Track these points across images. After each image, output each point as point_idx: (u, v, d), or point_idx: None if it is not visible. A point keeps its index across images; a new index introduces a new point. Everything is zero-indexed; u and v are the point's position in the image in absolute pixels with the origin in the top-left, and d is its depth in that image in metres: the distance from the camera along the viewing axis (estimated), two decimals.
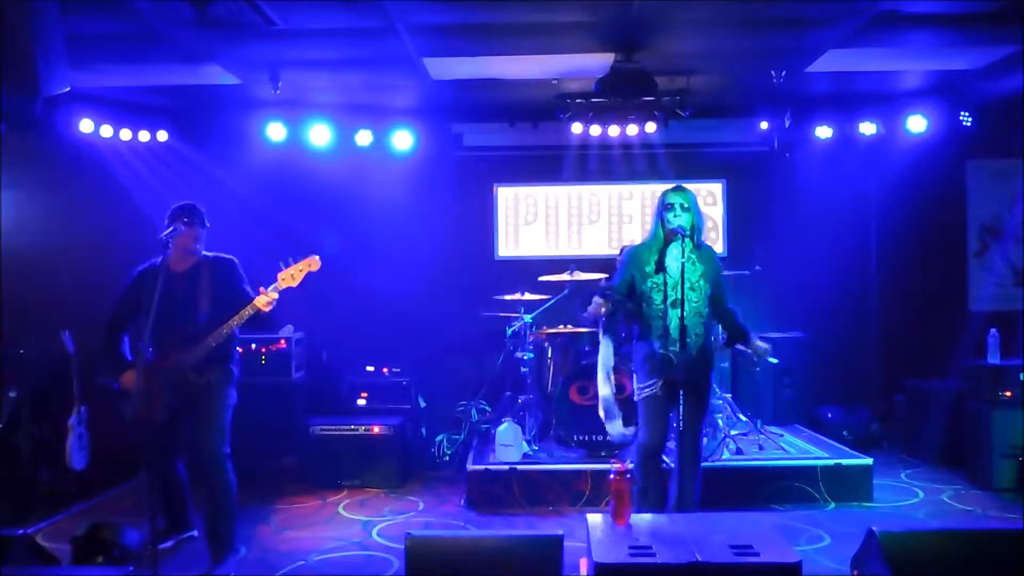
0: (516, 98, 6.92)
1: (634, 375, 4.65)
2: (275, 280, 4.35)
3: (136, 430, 4.40)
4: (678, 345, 4.38)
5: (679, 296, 4.38)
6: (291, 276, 4.37)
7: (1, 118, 5.42)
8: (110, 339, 4.51)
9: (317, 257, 4.43)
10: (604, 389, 5.23)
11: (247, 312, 4.31)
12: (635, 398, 4.63)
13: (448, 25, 5.17)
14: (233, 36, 5.12)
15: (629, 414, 5.24)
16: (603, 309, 4.48)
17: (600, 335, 5.26)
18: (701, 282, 4.49)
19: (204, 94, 6.66)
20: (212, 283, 4.46)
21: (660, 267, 4.43)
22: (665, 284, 4.38)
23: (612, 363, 5.31)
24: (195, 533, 4.76)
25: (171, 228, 4.28)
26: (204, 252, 4.55)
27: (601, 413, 5.34)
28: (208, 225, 4.54)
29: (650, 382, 4.48)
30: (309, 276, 4.46)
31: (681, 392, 4.37)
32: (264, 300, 4.30)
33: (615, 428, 5.29)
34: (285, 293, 4.40)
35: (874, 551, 3.56)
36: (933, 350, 7.21)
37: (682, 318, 4.37)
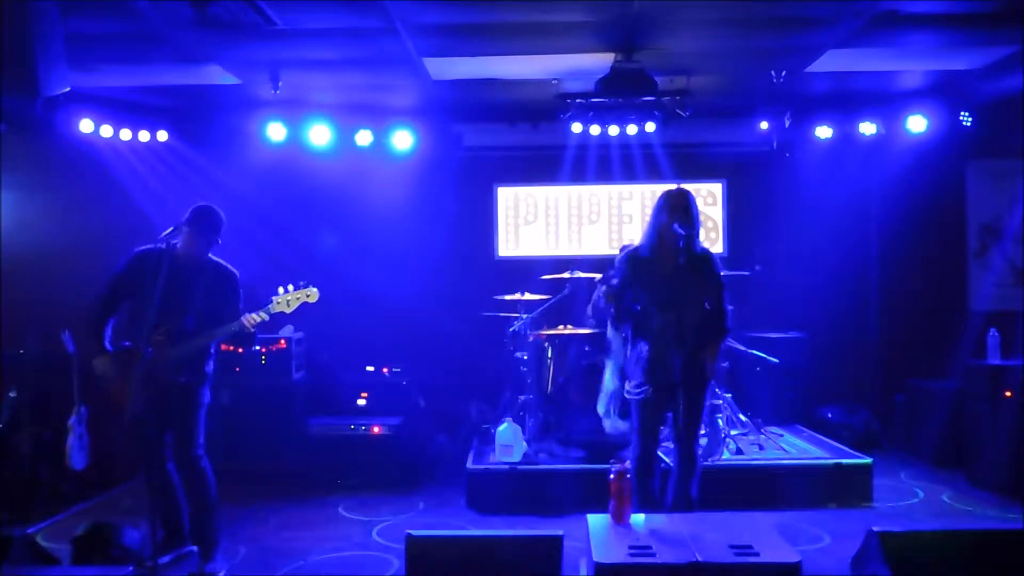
0: (516, 98, 6.92)
1: (628, 377, 4.64)
2: (270, 301, 4.37)
3: (133, 431, 4.37)
4: (671, 348, 4.37)
5: (673, 299, 4.38)
6: (286, 302, 4.40)
7: (1, 118, 5.42)
8: (98, 319, 4.40)
9: (316, 290, 4.45)
10: (611, 383, 5.26)
11: (232, 327, 4.32)
12: (628, 397, 4.62)
13: (448, 25, 5.17)
14: (233, 36, 5.12)
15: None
16: (610, 300, 4.47)
17: (610, 331, 5.22)
18: (697, 285, 4.47)
19: (204, 94, 6.66)
20: (209, 289, 4.41)
21: (655, 269, 4.43)
22: (660, 286, 4.38)
23: (622, 359, 5.31)
24: (195, 549, 4.57)
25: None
26: (210, 257, 4.50)
27: (600, 408, 5.35)
28: (219, 240, 4.47)
29: (643, 385, 4.47)
30: (309, 278, 4.45)
31: (675, 393, 4.37)
32: (252, 319, 4.31)
33: (610, 424, 5.33)
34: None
35: (874, 551, 3.56)
36: (933, 350, 7.21)
37: (676, 321, 4.37)
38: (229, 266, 4.55)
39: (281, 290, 4.40)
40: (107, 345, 4.43)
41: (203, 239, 4.41)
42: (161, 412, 4.37)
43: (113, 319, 4.46)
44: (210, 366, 4.54)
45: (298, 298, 4.41)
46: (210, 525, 4.48)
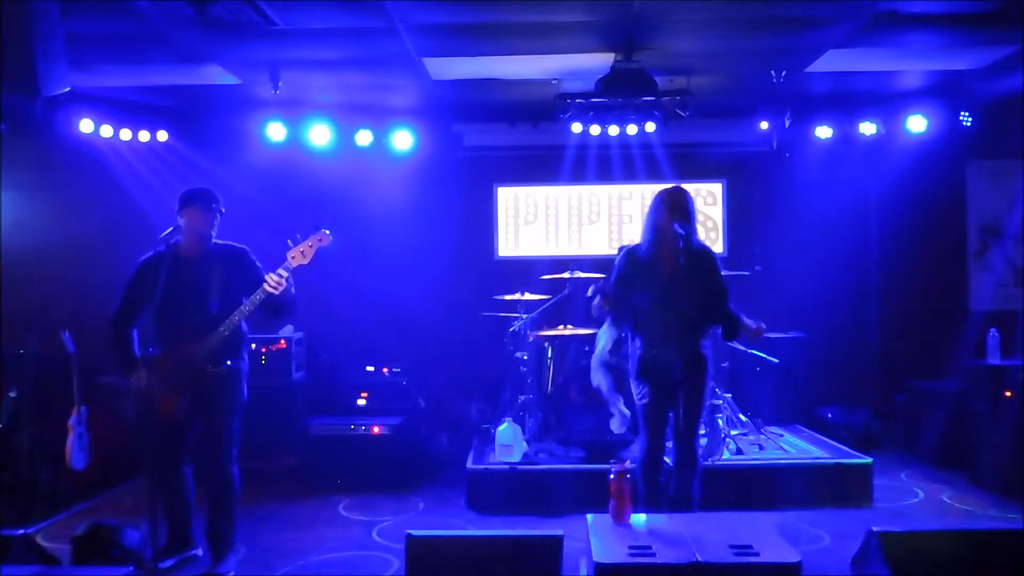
0: (516, 98, 6.92)
1: (632, 381, 4.63)
2: (285, 260, 4.25)
3: (144, 433, 4.32)
4: (670, 347, 4.37)
5: (673, 299, 4.37)
6: (301, 253, 4.27)
7: (1, 118, 5.42)
8: (119, 335, 4.36)
9: (328, 232, 4.33)
10: (596, 378, 5.26)
11: (257, 296, 4.21)
12: (636, 404, 4.63)
13: (448, 25, 5.17)
14: (233, 36, 5.12)
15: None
16: (606, 307, 4.46)
17: (606, 325, 5.17)
18: (695, 284, 4.47)
19: (204, 94, 6.66)
20: (224, 271, 4.34)
21: (654, 268, 4.43)
22: (659, 286, 4.37)
23: (606, 356, 5.29)
24: (199, 552, 4.59)
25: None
26: (215, 241, 4.43)
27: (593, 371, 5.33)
28: (224, 211, 4.41)
29: (643, 386, 4.47)
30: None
31: (675, 393, 4.36)
32: (273, 280, 4.18)
33: (615, 423, 5.33)
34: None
35: (874, 551, 3.57)
36: (933, 350, 7.21)
37: (674, 319, 4.37)
38: (235, 244, 4.49)
39: (290, 242, 4.27)
40: (137, 355, 4.35)
41: (205, 219, 4.32)
42: (198, 410, 4.33)
43: (135, 330, 4.39)
44: (247, 356, 4.48)
45: (311, 245, 4.30)
46: (229, 529, 4.43)
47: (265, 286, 4.19)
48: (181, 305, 4.21)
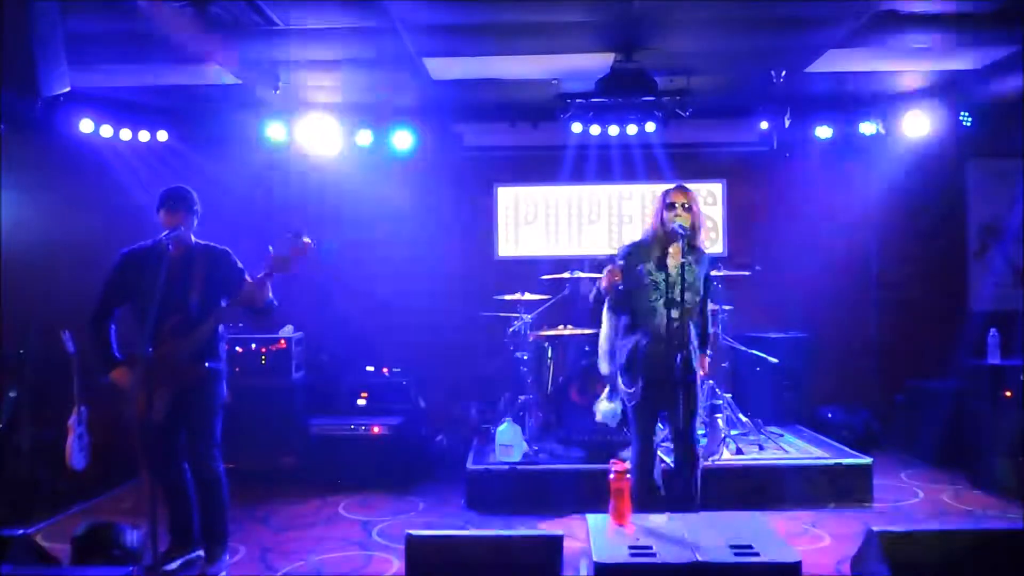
0: (516, 98, 6.92)
1: (620, 378, 4.60)
2: (266, 265, 4.25)
3: (140, 433, 4.32)
4: (671, 345, 4.37)
5: (675, 296, 4.37)
6: (284, 264, 4.26)
7: (1, 118, 5.42)
8: (99, 332, 4.35)
9: (308, 239, 4.32)
10: (604, 366, 5.15)
11: (243, 297, 4.23)
12: (626, 404, 4.61)
13: (448, 25, 5.17)
14: (233, 36, 5.12)
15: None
16: (616, 277, 4.39)
17: (605, 311, 5.07)
18: (697, 284, 4.48)
19: (204, 94, 6.66)
20: (206, 271, 4.34)
21: (660, 265, 4.42)
22: (664, 283, 4.37)
23: (614, 342, 5.11)
24: (201, 553, 4.52)
25: (169, 230, 4.23)
26: (196, 240, 4.43)
27: (603, 402, 5.25)
28: (198, 210, 4.41)
29: (638, 382, 4.46)
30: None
31: (673, 392, 4.36)
32: (250, 285, 4.23)
33: (604, 407, 5.21)
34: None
35: (874, 551, 3.56)
36: (933, 350, 7.21)
37: (676, 318, 4.37)
38: (217, 244, 4.49)
39: (271, 248, 4.25)
40: (116, 354, 4.36)
41: (181, 218, 4.31)
42: (180, 408, 4.33)
43: (114, 326, 4.40)
44: (224, 353, 4.50)
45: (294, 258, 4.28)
46: (221, 525, 4.44)
47: (246, 288, 4.23)
48: (161, 303, 4.12)
